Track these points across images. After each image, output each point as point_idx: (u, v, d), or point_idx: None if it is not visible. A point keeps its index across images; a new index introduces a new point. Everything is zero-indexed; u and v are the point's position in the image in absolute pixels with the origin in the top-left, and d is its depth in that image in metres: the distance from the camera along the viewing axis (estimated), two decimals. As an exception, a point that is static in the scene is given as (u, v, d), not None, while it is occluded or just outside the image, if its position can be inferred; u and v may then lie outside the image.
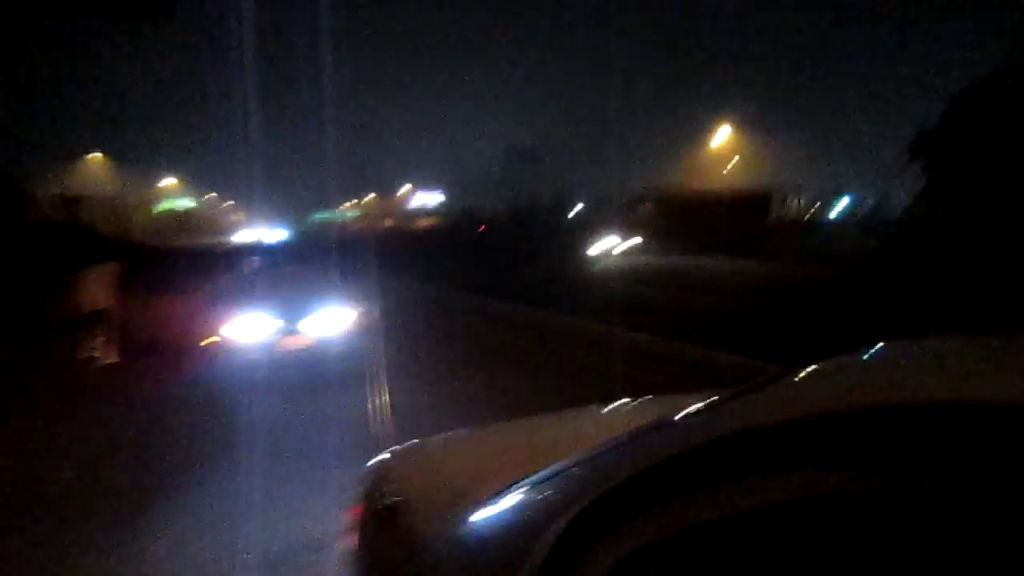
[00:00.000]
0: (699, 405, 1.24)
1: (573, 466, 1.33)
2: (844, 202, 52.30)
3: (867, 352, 1.18)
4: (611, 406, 2.30)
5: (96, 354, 9.10)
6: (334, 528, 4.05)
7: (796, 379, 1.13)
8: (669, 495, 1.01)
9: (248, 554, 3.84)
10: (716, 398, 1.27)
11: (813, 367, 1.17)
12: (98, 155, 42.04)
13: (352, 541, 1.95)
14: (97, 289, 9.31)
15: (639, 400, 2.34)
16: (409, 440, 2.25)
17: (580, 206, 61.76)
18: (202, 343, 8.62)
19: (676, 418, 1.24)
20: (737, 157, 53.15)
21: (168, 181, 57.33)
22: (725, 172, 53.80)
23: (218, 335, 8.28)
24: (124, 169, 44.09)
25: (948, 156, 31.10)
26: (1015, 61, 30.37)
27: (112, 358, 9.14)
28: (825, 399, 0.96)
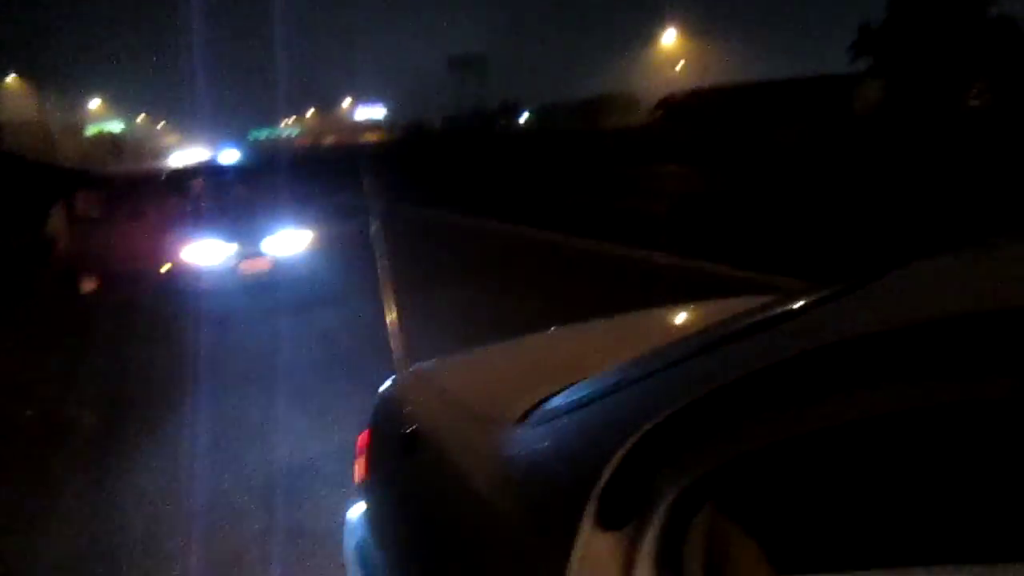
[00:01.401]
0: (786, 307, 1.16)
1: (626, 379, 1.25)
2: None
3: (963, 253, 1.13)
4: (648, 313, 2.22)
5: (53, 286, 8.72)
6: (328, 450, 4.03)
7: (903, 279, 1.07)
8: (778, 404, 0.95)
9: (243, 476, 3.76)
10: (806, 300, 1.20)
11: (915, 266, 1.10)
12: (13, 77, 39.42)
13: (364, 471, 1.88)
14: (45, 219, 8.86)
15: (682, 308, 2.26)
16: (410, 360, 2.16)
17: (526, 114, 60.72)
18: (160, 270, 8.31)
19: (746, 327, 1.16)
20: (682, 61, 52.63)
21: (95, 103, 54.39)
22: (673, 74, 53.27)
23: (175, 261, 8.01)
24: (46, 92, 41.60)
25: (894, 51, 31.30)
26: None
27: (70, 288, 8.78)
28: (951, 301, 0.90)
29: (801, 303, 1.20)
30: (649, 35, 53.68)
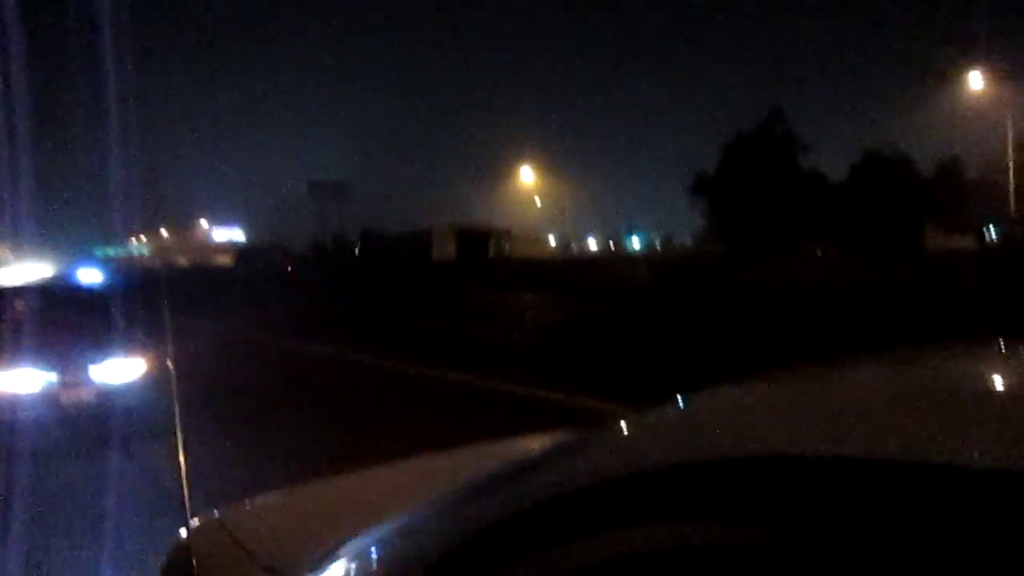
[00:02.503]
0: (539, 453, 1.24)
1: (410, 525, 1.28)
2: (635, 240, 56.46)
3: (707, 395, 1.25)
4: (444, 455, 2.25)
5: None
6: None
7: (632, 427, 1.17)
8: (515, 554, 1.00)
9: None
10: (553, 446, 1.27)
11: (647, 413, 1.21)
12: None
13: None
14: None
15: (474, 447, 2.30)
16: (212, 505, 2.07)
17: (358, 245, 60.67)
18: None
19: (519, 467, 1.23)
20: (537, 197, 55.61)
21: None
22: (530, 209, 56.05)
23: None
24: None
25: (724, 197, 34.68)
26: (777, 114, 34.65)
27: None
28: (677, 448, 0.99)
29: (568, 444, 1.29)
30: (507, 172, 56.51)
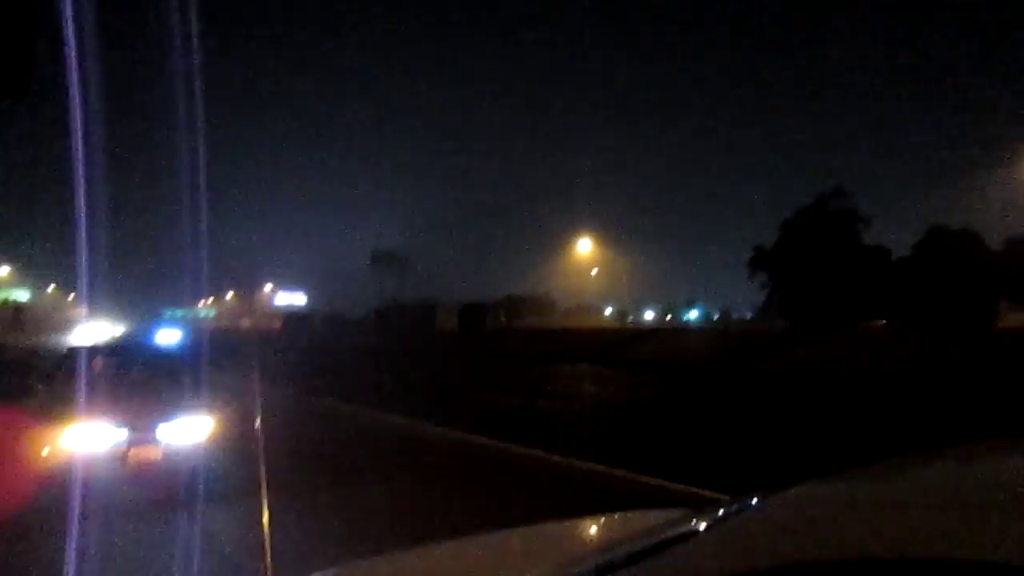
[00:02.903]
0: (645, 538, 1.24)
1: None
2: (693, 313, 55.78)
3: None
4: (551, 526, 2.23)
5: None
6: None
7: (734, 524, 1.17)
8: None
9: None
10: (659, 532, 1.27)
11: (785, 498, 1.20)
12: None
13: None
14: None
15: (558, 523, 2.28)
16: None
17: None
18: (37, 455, 7.74)
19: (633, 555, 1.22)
20: (596, 268, 55.66)
21: (3, 270, 52.78)
22: (586, 280, 56.08)
23: (56, 446, 7.51)
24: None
25: (783, 272, 34.13)
26: (837, 189, 34.30)
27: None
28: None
29: (685, 529, 1.29)
30: (565, 243, 56.88)
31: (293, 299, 71.00)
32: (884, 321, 31.56)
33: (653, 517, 1.81)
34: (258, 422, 8.66)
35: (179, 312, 71.94)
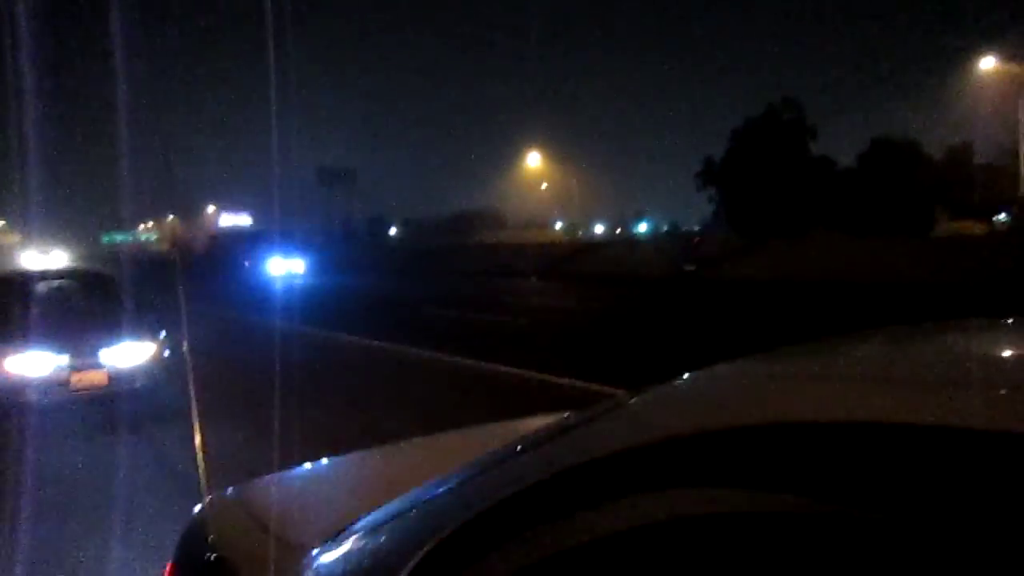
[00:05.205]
0: (553, 427, 1.25)
1: (423, 499, 1.29)
2: (643, 226, 56.34)
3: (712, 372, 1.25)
4: (459, 434, 2.26)
5: None
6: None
7: (639, 401, 1.19)
8: (530, 523, 1.00)
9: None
10: (567, 420, 1.28)
11: (655, 388, 1.22)
12: None
13: None
14: None
15: (490, 425, 2.32)
16: (229, 486, 2.08)
17: (393, 229, 61.35)
18: None
19: (533, 442, 1.24)
20: (545, 183, 55.48)
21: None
22: (536, 195, 55.95)
23: None
24: None
25: (732, 183, 34.49)
26: (786, 100, 34.39)
27: None
28: (684, 420, 1.00)
29: (576, 419, 1.30)
30: (514, 158, 56.31)
31: (238, 220, 69.42)
32: (828, 230, 32.37)
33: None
34: (185, 345, 8.55)
35: (118, 236, 69.89)
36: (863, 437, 0.79)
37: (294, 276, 31.31)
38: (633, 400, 1.26)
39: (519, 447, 1.28)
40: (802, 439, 0.83)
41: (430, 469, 1.63)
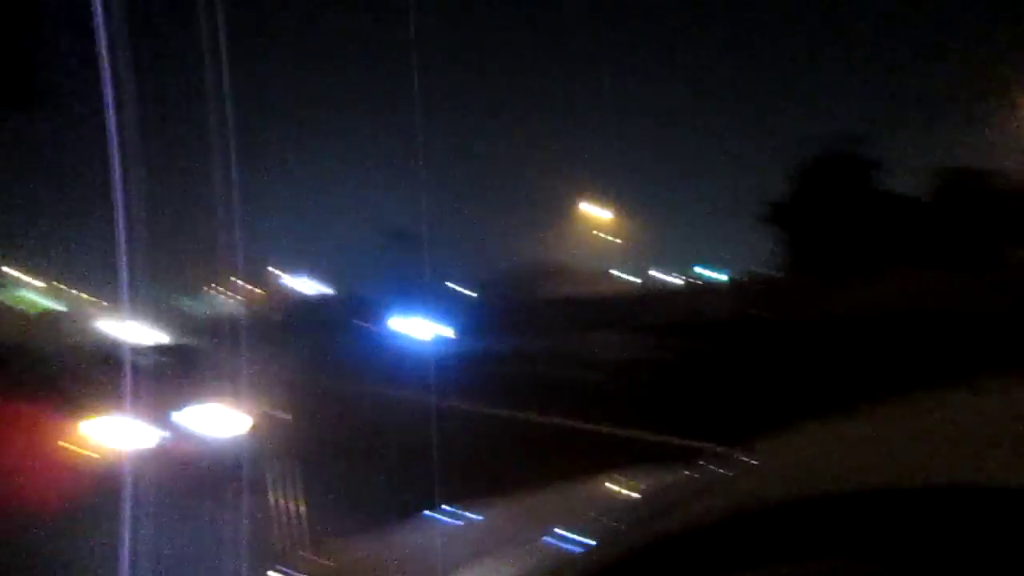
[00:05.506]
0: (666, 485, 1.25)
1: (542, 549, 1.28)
2: (707, 271, 55.67)
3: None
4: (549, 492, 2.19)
5: None
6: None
7: (763, 458, 1.17)
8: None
9: None
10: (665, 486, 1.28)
11: (775, 444, 1.21)
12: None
13: None
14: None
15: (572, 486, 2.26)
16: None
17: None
18: (73, 450, 7.67)
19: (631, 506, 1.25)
20: (603, 232, 55.52)
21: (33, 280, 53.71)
22: (595, 244, 55.97)
23: (84, 437, 7.50)
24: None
25: (799, 223, 33.88)
26: (845, 135, 33.88)
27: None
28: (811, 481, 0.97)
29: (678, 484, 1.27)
30: (570, 208, 56.52)
31: (300, 284, 71.40)
32: (905, 266, 31.40)
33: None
34: (284, 411, 8.68)
35: (187, 302, 72.66)
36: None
37: (445, 340, 27.30)
38: (738, 461, 1.24)
39: (622, 511, 1.31)
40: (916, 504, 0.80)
41: (511, 532, 1.62)
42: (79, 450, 7.41)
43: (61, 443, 7.53)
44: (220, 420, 7.80)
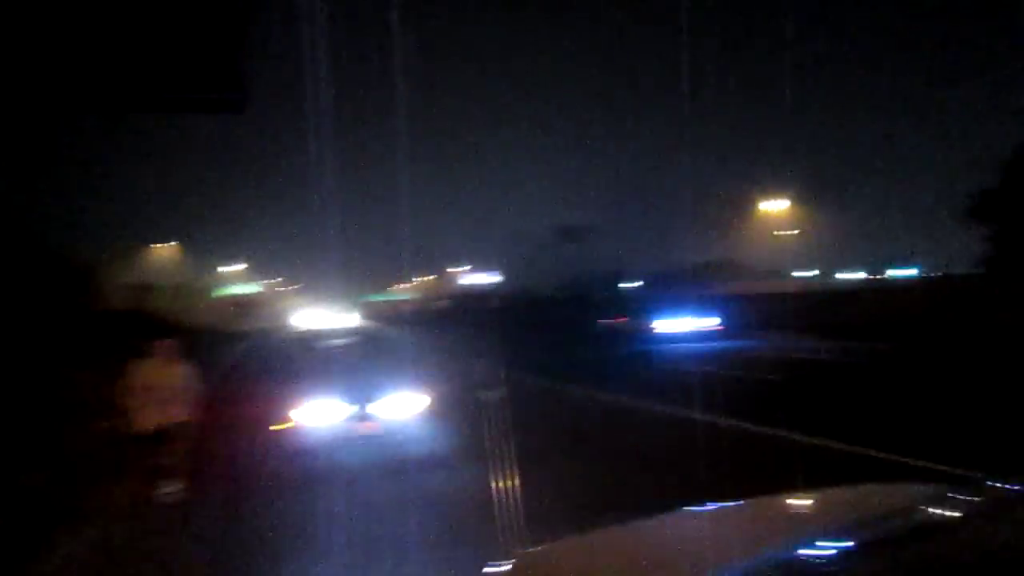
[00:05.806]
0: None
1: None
2: (899, 271, 51.14)
3: None
4: (773, 499, 2.13)
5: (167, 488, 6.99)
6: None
7: None
8: None
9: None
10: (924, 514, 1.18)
11: None
12: (173, 244, 44.19)
13: None
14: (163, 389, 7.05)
15: (806, 494, 2.20)
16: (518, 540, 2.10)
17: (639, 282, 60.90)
18: (273, 428, 8.40)
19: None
20: (784, 230, 52.50)
21: (237, 267, 59.73)
22: (773, 242, 53.12)
23: (289, 420, 8.17)
24: (197, 256, 46.34)
25: (1010, 218, 30.20)
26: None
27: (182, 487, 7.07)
28: None
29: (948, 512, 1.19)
30: (747, 206, 53.90)
31: (485, 278, 73.45)
32: None
33: (890, 491, 1.69)
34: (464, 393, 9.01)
35: (374, 298, 77.17)
36: None
37: (707, 335, 25.10)
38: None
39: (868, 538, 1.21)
40: None
41: (739, 537, 1.57)
42: (289, 432, 8.12)
43: (274, 427, 8.31)
44: (407, 402, 8.28)
